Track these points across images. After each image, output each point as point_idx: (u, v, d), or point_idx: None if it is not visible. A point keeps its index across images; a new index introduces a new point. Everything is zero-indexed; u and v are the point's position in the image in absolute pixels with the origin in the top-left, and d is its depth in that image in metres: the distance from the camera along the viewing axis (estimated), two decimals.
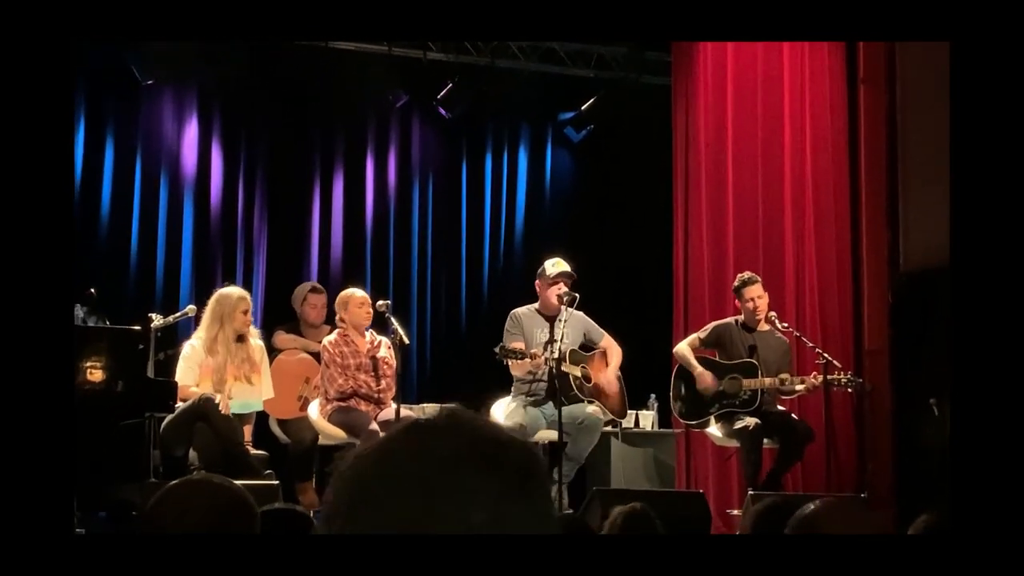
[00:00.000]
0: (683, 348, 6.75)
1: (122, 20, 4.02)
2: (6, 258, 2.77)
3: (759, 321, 6.62)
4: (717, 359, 6.69)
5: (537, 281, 6.68)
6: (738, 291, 6.67)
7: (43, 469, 2.60)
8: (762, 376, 6.49)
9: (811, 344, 6.66)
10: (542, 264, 6.72)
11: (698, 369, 6.60)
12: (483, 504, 1.03)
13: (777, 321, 6.59)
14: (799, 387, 6.52)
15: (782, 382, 6.48)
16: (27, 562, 2.37)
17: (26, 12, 2.94)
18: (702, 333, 6.77)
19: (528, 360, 6.29)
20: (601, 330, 6.77)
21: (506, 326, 6.66)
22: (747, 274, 6.71)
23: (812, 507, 2.11)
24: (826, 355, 6.45)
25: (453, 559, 1.01)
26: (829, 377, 6.36)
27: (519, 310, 6.69)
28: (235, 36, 7.62)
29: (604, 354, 6.73)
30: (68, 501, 2.85)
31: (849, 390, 6.58)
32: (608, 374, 6.64)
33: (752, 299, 6.58)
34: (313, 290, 7.52)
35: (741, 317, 6.73)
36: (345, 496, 1.07)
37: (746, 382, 6.50)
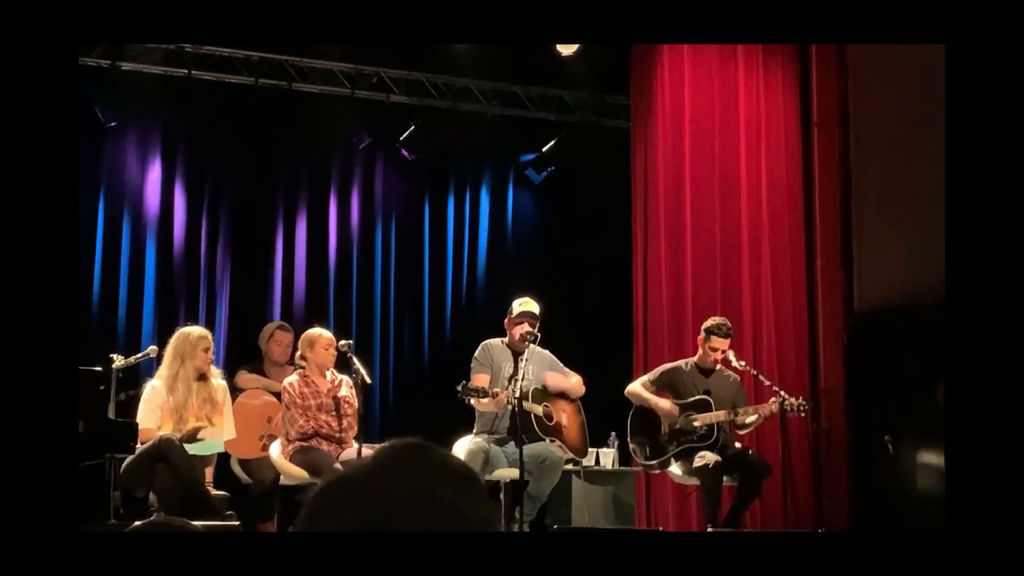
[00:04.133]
0: (636, 387, 6.75)
1: (111, 24, 4.05)
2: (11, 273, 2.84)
3: (714, 365, 6.67)
4: (671, 400, 6.72)
5: (506, 319, 6.73)
6: (709, 333, 6.57)
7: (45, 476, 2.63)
8: (716, 411, 6.53)
9: (768, 382, 6.71)
10: (510, 302, 6.77)
11: (654, 400, 6.63)
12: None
13: (734, 360, 6.62)
14: (752, 418, 6.53)
15: (736, 414, 6.51)
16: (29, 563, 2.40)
17: (29, 21, 3.00)
18: (652, 376, 6.76)
19: (491, 399, 6.31)
20: (565, 368, 6.80)
21: (476, 355, 6.67)
22: (724, 324, 6.60)
23: None
24: (783, 392, 6.50)
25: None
26: (784, 403, 6.40)
27: (491, 341, 6.72)
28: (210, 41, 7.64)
29: (564, 393, 6.75)
30: (69, 504, 2.87)
31: (802, 414, 6.59)
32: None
33: (719, 349, 6.57)
34: (280, 327, 7.56)
35: (694, 359, 6.77)
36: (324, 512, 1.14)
37: (701, 417, 6.53)
